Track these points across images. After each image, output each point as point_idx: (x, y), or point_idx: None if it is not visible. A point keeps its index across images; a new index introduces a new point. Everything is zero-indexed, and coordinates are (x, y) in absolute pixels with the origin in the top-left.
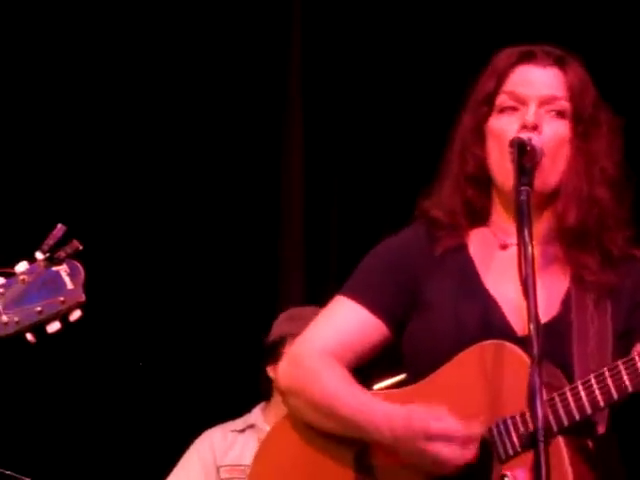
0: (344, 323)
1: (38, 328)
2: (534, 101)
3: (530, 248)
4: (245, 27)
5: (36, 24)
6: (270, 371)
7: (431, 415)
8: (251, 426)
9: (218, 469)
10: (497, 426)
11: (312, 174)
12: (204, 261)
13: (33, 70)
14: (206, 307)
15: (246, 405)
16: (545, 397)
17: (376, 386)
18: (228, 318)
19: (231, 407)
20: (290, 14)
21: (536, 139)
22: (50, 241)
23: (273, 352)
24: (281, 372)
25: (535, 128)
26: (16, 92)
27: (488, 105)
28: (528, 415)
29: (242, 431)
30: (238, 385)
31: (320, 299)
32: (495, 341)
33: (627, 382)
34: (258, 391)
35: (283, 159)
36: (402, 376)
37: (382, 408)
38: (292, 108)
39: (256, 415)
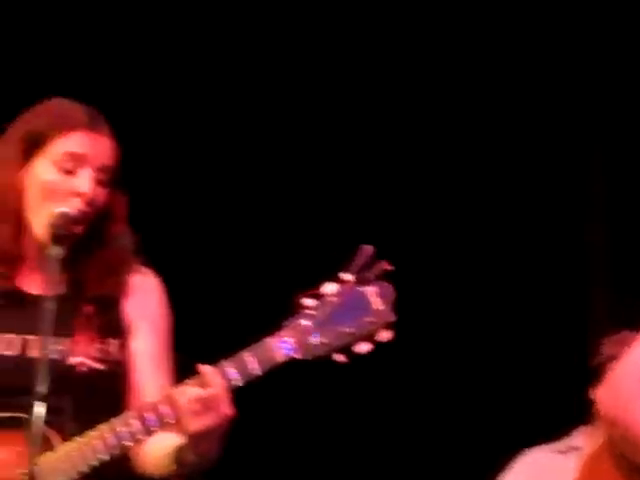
0: None
1: (347, 349)
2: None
3: None
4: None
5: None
6: (592, 394)
7: None
8: (575, 448)
9: None
10: None
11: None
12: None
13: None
14: (521, 323)
15: (559, 426)
16: None
17: None
18: (540, 334)
19: (541, 427)
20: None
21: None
22: (359, 262)
23: (598, 374)
24: (598, 398)
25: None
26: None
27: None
28: None
29: (564, 453)
30: (546, 406)
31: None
32: None
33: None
34: (568, 413)
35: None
36: None
37: None
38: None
39: (580, 438)
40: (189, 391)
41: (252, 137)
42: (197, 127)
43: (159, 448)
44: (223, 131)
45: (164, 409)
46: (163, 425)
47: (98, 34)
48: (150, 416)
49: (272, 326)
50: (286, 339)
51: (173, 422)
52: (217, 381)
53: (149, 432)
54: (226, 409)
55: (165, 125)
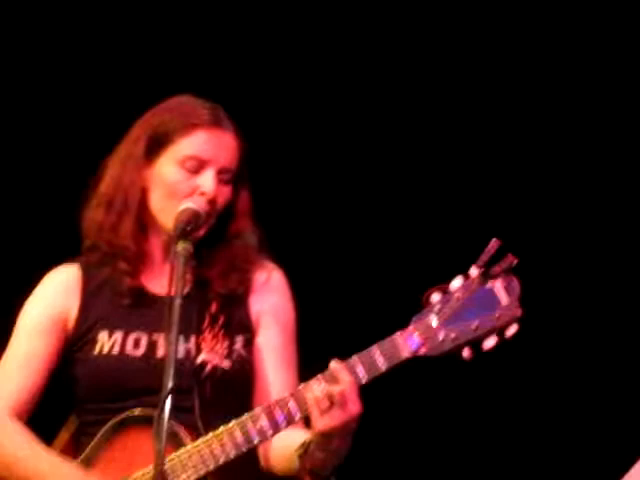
0: None
1: (474, 345)
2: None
3: None
4: None
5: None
6: None
7: None
8: None
9: None
10: None
11: None
12: None
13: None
14: None
15: None
16: None
17: None
18: None
19: None
20: None
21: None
22: (485, 256)
23: None
24: None
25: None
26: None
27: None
28: None
29: None
30: None
31: None
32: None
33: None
34: None
35: None
36: None
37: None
38: None
39: None
40: (317, 388)
41: (375, 131)
42: (323, 123)
43: (287, 445)
44: (349, 125)
45: (292, 406)
46: (291, 422)
47: (226, 30)
48: (278, 413)
49: (400, 322)
50: (414, 335)
51: (301, 419)
52: (345, 378)
53: (277, 429)
54: (354, 406)
55: (291, 122)
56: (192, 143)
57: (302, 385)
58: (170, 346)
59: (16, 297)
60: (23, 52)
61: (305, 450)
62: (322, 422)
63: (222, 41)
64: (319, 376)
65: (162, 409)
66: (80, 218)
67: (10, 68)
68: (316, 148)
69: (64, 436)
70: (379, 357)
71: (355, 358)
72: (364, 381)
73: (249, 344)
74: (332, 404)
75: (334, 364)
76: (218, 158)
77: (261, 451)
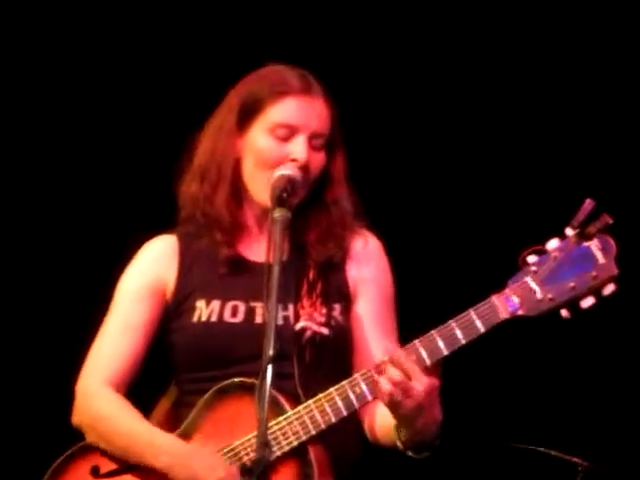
0: None
1: (572, 305)
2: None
3: None
4: None
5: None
6: None
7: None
8: None
9: None
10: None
11: None
12: None
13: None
14: None
15: None
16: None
17: None
18: None
19: None
20: None
21: None
22: (580, 216)
23: None
24: None
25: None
26: None
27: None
28: None
29: None
30: None
31: None
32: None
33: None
34: None
35: None
36: None
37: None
38: None
39: None
40: (383, 381)
41: (461, 117)
42: (418, 93)
43: (389, 421)
44: (444, 99)
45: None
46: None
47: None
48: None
49: (497, 284)
50: (511, 297)
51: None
52: (408, 364)
53: (377, 395)
54: (422, 386)
55: (388, 87)
56: (282, 111)
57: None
58: (270, 313)
59: (114, 267)
60: (114, 30)
61: (397, 429)
62: (397, 411)
63: (316, 8)
64: (384, 362)
65: (264, 377)
66: (176, 190)
67: (105, 45)
68: (413, 117)
69: (164, 406)
70: (476, 319)
71: (432, 335)
72: (445, 353)
73: (347, 311)
74: (402, 391)
75: (392, 350)
76: (308, 124)
77: (367, 425)
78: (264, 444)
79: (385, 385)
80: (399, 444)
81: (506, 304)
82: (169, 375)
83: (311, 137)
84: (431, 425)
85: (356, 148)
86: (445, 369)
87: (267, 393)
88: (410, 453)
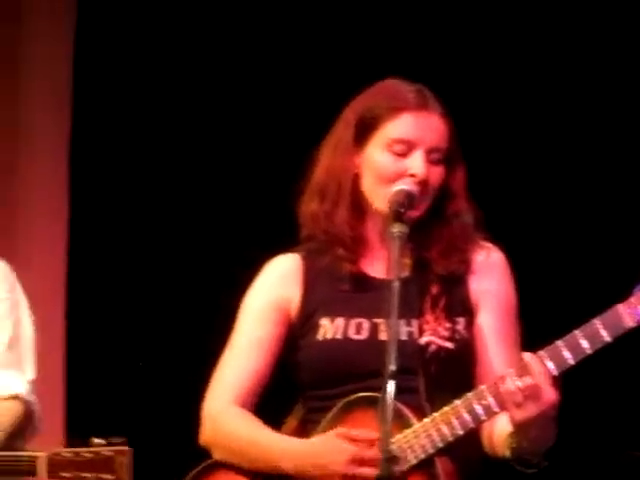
0: None
1: None
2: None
3: None
4: None
5: None
6: None
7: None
8: None
9: None
10: None
11: None
12: None
13: None
14: None
15: None
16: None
17: None
18: None
19: None
20: None
21: None
22: None
23: None
24: None
25: None
26: None
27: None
28: None
29: None
30: None
31: None
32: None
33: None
34: None
35: None
36: None
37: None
38: None
39: None
40: (510, 382)
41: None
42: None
43: (503, 430)
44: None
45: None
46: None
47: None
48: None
49: (622, 293)
50: (638, 306)
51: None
52: (537, 369)
53: (503, 407)
54: (548, 396)
55: (502, 101)
56: (398, 126)
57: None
58: (391, 329)
59: (238, 287)
60: (234, 48)
61: (512, 438)
62: (517, 415)
63: (431, 23)
64: (511, 369)
65: (386, 391)
66: (297, 208)
67: (219, 66)
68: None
69: (291, 424)
70: (602, 329)
71: (556, 346)
72: (587, 352)
73: (470, 325)
74: (526, 397)
75: (526, 356)
76: (425, 139)
77: (485, 436)
78: (388, 459)
79: (512, 387)
80: (508, 452)
81: (632, 313)
82: (294, 394)
83: (429, 152)
84: (543, 439)
85: (474, 161)
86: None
87: (389, 409)
88: (517, 465)
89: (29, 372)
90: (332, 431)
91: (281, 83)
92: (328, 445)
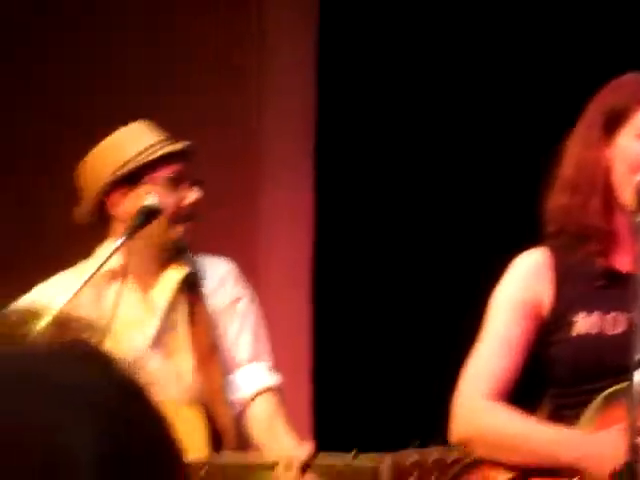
0: None
1: None
2: None
3: None
4: None
5: None
6: None
7: None
8: None
9: None
10: None
11: None
12: None
13: None
14: None
15: None
16: None
17: None
18: None
19: None
20: None
21: None
22: None
23: None
24: None
25: None
26: None
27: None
28: None
29: None
30: None
31: None
32: None
33: None
34: None
35: None
36: None
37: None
38: None
39: None
40: None
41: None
42: None
43: None
44: None
45: None
46: None
47: None
48: None
49: None
50: None
51: None
52: None
53: None
54: None
55: None
56: None
57: None
58: (636, 320)
59: (486, 282)
60: (468, 46)
61: None
62: None
63: None
64: None
65: (632, 380)
66: (543, 203)
67: (456, 64)
68: None
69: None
70: None
71: None
72: None
73: None
74: None
75: None
76: None
77: None
78: (634, 448)
79: None
80: None
81: None
82: (540, 390)
83: None
84: None
85: None
86: None
87: (636, 397)
88: None
89: (270, 361)
90: (616, 425)
91: (523, 82)
92: (613, 438)
